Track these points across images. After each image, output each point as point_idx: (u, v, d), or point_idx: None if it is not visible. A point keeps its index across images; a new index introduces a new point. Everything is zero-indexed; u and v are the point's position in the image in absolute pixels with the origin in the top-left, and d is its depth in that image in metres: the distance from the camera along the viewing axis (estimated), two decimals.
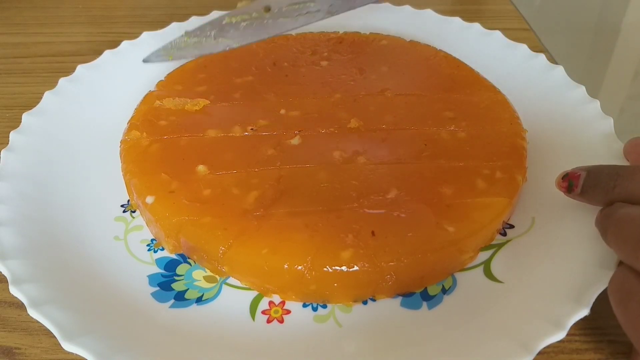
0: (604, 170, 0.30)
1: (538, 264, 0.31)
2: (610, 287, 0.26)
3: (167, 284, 0.31)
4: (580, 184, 0.30)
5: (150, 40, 0.48)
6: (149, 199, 0.33)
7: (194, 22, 0.50)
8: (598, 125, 0.37)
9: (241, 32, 0.39)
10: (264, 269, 0.30)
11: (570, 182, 0.31)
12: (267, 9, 0.38)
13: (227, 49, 0.39)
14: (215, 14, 0.51)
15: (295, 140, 0.36)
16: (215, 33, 0.39)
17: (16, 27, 0.57)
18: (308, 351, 0.28)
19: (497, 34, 0.47)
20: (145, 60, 0.41)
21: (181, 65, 0.44)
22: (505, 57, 0.45)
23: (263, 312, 0.30)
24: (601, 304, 0.27)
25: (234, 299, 0.31)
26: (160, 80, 0.42)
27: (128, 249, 0.33)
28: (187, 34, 0.40)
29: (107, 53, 0.46)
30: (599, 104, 0.39)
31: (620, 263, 0.27)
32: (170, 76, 0.43)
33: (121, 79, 0.44)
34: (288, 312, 0.30)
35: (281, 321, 0.30)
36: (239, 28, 0.39)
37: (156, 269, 0.32)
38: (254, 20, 0.38)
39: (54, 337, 0.26)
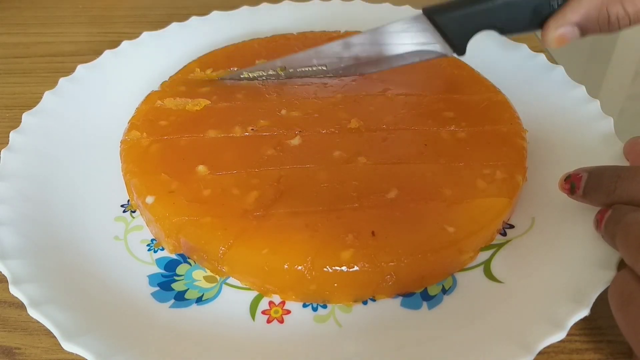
0: (605, 172, 0.30)
1: (538, 264, 0.31)
2: (610, 291, 0.26)
3: (167, 284, 0.31)
4: (582, 185, 0.30)
5: (150, 40, 0.48)
6: (149, 199, 0.33)
7: (194, 22, 0.50)
8: (598, 125, 0.37)
9: None
10: (264, 269, 0.30)
11: (572, 184, 0.31)
12: (283, 69, 0.41)
13: None
14: (215, 13, 0.51)
15: (296, 141, 0.36)
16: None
17: (16, 27, 0.57)
18: (308, 351, 0.28)
19: (497, 34, 0.47)
20: None
21: (185, 67, 0.44)
22: (505, 57, 0.45)
23: (263, 312, 0.30)
24: (601, 304, 0.27)
25: (234, 299, 0.31)
26: (165, 81, 0.42)
27: (128, 249, 0.33)
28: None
29: (107, 53, 0.46)
30: (599, 103, 0.39)
31: (621, 267, 0.27)
32: (174, 77, 0.43)
33: (121, 79, 0.44)
34: (288, 312, 0.30)
35: (281, 321, 0.30)
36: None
37: (156, 269, 0.32)
38: (270, 77, 0.42)
39: (54, 337, 0.26)
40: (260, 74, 0.42)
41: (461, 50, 0.39)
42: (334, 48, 0.41)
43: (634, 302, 0.25)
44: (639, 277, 0.25)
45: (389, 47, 0.39)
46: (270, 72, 0.42)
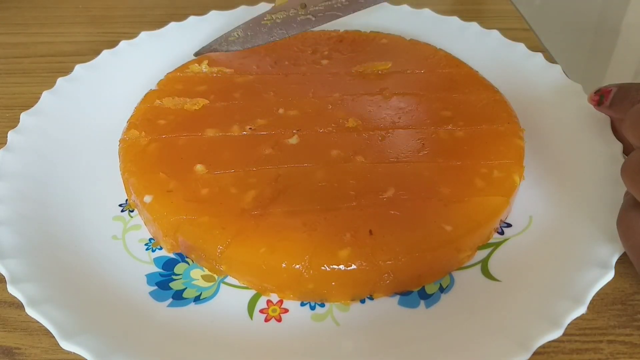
0: (633, 85, 0.32)
1: (535, 262, 0.31)
2: (624, 166, 0.28)
3: (165, 283, 0.31)
4: (610, 97, 0.32)
5: (148, 39, 0.48)
6: (147, 198, 0.33)
7: (192, 21, 0.50)
8: (595, 123, 0.37)
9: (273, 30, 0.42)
10: (262, 268, 0.30)
11: (601, 96, 0.33)
12: (303, 6, 0.40)
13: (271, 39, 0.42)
14: (213, 13, 0.51)
15: (294, 140, 0.36)
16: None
17: (16, 27, 0.57)
18: (306, 350, 0.28)
19: (495, 33, 0.47)
20: (196, 54, 0.45)
21: (182, 65, 0.44)
22: (503, 56, 0.45)
23: (261, 311, 0.30)
24: (600, 304, 0.27)
25: (231, 298, 0.31)
26: (161, 79, 0.42)
27: (126, 248, 0.33)
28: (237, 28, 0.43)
29: (105, 53, 0.46)
30: None
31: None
32: (171, 75, 0.43)
33: (119, 78, 0.44)
34: (286, 311, 0.30)
35: (279, 320, 0.30)
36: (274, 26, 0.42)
37: (154, 268, 0.32)
38: (290, 16, 0.41)
39: (54, 337, 0.26)
40: (283, 14, 0.41)
41: None
42: None
43: None
44: None
45: None
46: (292, 12, 0.41)
